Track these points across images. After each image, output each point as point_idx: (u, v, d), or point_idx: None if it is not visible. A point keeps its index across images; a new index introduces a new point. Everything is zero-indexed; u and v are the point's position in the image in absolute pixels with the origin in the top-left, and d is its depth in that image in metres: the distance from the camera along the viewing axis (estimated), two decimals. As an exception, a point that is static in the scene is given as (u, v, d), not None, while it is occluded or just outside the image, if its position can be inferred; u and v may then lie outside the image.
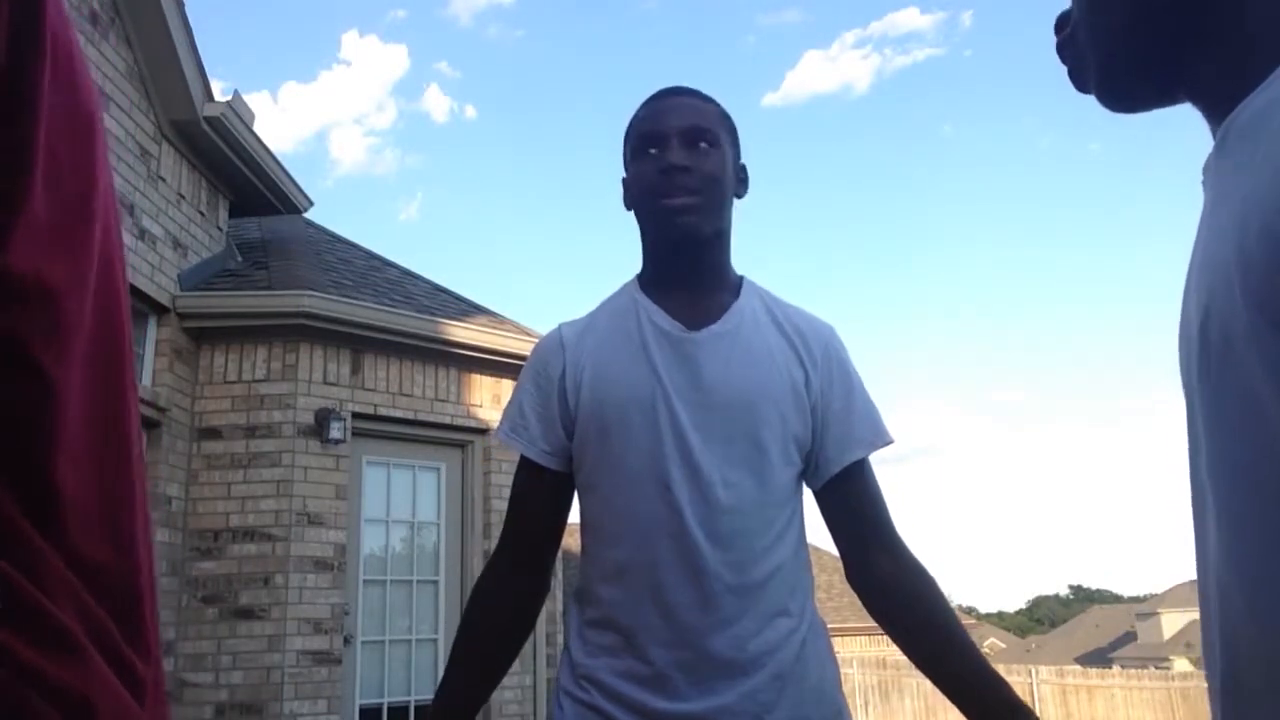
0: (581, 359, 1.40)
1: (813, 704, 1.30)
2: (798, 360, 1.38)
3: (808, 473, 1.39)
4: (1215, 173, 0.57)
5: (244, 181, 6.64)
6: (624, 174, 1.48)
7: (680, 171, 1.36)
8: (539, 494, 1.44)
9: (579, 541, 1.47)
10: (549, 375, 1.42)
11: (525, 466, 1.44)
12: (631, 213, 1.47)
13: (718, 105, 1.46)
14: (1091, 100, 0.69)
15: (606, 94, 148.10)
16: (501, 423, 1.47)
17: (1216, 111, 0.60)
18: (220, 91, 6.22)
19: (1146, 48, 0.63)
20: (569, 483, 1.43)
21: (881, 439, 1.41)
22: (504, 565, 1.44)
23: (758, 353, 1.37)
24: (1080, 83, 0.69)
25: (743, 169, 1.47)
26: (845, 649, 17.06)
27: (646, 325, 1.39)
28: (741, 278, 1.47)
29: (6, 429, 0.51)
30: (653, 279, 1.45)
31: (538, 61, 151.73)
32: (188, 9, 5.95)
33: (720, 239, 1.42)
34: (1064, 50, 0.69)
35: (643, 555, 1.31)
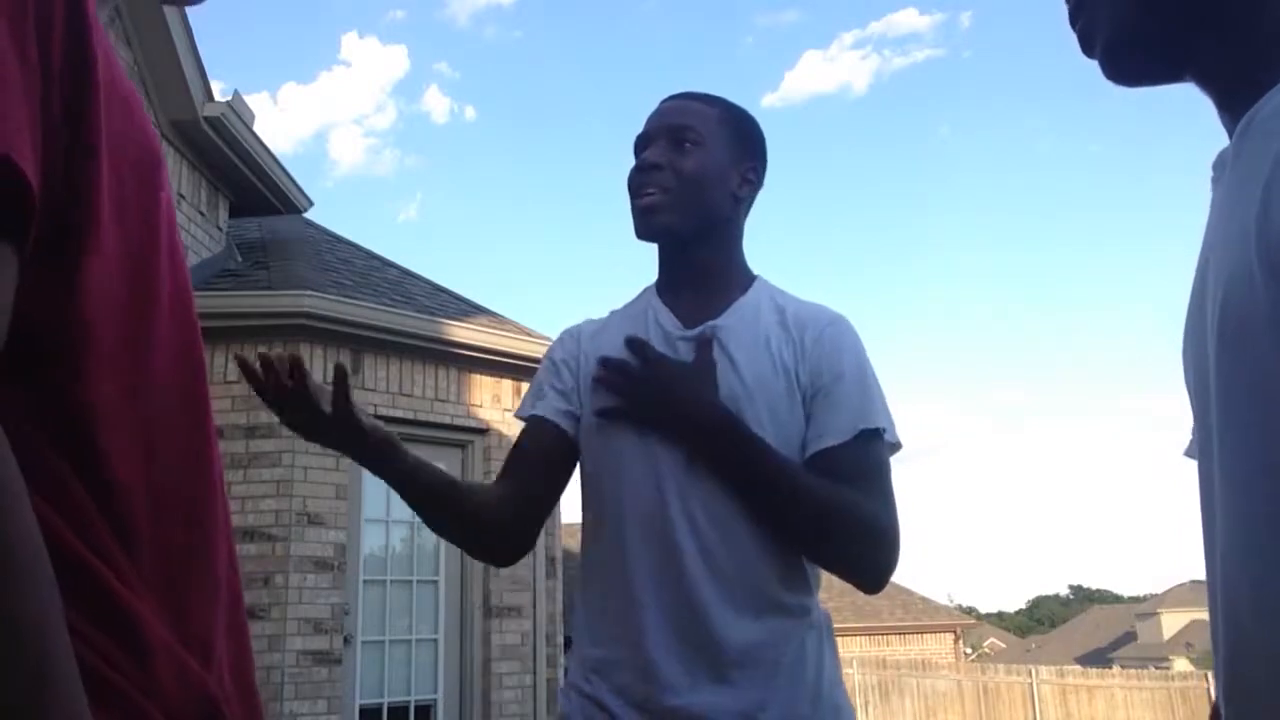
0: (593, 357, 1.43)
1: (808, 703, 1.28)
2: (792, 351, 1.37)
3: None
4: (1235, 159, 0.57)
5: (244, 181, 6.64)
6: None
7: (651, 169, 1.39)
8: (540, 441, 1.42)
9: (579, 542, 1.48)
10: (565, 359, 1.47)
11: (531, 422, 1.44)
12: None
13: (719, 106, 1.47)
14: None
15: (606, 95, 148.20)
16: (523, 402, 1.50)
17: (1233, 98, 0.59)
18: (220, 92, 6.23)
19: (1163, 24, 0.63)
20: (572, 448, 1.42)
21: (856, 427, 1.31)
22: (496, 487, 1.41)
23: (753, 346, 1.37)
24: (1088, 48, 0.68)
25: (751, 168, 1.47)
26: (845, 649, 17.09)
27: (651, 326, 1.42)
28: (756, 277, 1.47)
29: (73, 431, 0.56)
30: (661, 280, 1.48)
31: (536, 63, 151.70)
32: (188, 9, 5.94)
33: (711, 236, 1.42)
34: (1076, 16, 0.68)
35: (634, 549, 1.32)
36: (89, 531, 0.54)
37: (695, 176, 1.39)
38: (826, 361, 1.36)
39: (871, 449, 1.33)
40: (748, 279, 1.46)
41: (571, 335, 1.51)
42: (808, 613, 1.33)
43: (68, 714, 0.46)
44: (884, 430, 1.34)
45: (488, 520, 1.37)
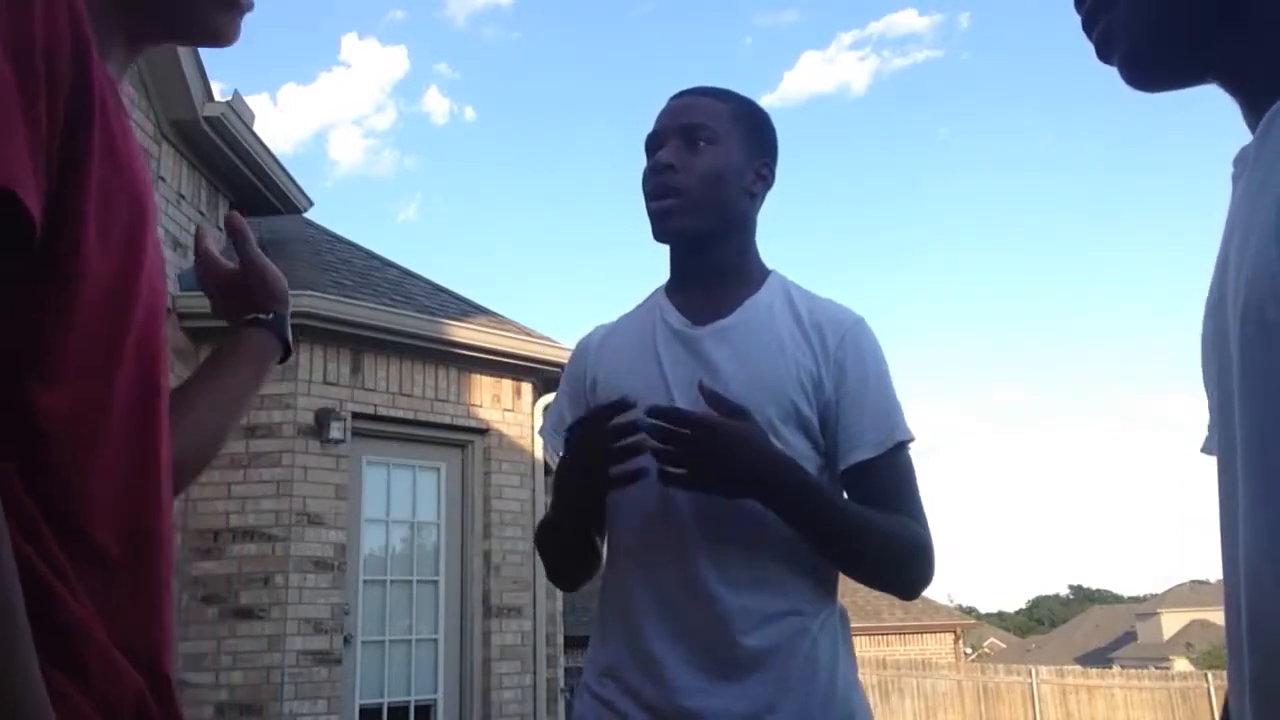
0: (600, 363, 1.44)
1: (820, 705, 1.27)
2: (810, 352, 1.35)
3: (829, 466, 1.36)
4: (1256, 157, 0.56)
5: (244, 181, 6.64)
6: None
7: (666, 171, 1.38)
8: None
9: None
10: (579, 380, 1.47)
11: (565, 461, 1.46)
12: None
13: (731, 101, 1.45)
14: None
15: (605, 95, 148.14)
16: (545, 423, 1.52)
17: (1260, 99, 0.58)
18: (220, 92, 6.21)
19: (1190, 25, 0.61)
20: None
21: (892, 439, 1.34)
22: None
23: (765, 344, 1.35)
24: (1106, 54, 0.66)
25: (764, 163, 1.45)
26: (845, 649, 17.03)
27: (659, 324, 1.41)
28: (770, 272, 1.46)
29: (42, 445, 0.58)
30: (672, 279, 1.47)
31: (535, 64, 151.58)
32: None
33: (724, 235, 1.41)
34: (1093, 20, 0.66)
35: (644, 550, 1.32)
36: (37, 540, 0.55)
37: (711, 176, 1.37)
38: (852, 368, 1.35)
39: (904, 458, 1.37)
40: (761, 274, 1.44)
41: (582, 349, 1.51)
42: (824, 613, 1.32)
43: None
44: (912, 440, 1.37)
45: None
